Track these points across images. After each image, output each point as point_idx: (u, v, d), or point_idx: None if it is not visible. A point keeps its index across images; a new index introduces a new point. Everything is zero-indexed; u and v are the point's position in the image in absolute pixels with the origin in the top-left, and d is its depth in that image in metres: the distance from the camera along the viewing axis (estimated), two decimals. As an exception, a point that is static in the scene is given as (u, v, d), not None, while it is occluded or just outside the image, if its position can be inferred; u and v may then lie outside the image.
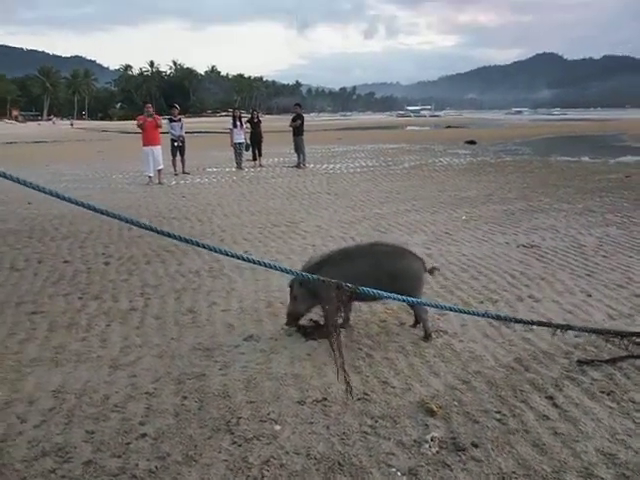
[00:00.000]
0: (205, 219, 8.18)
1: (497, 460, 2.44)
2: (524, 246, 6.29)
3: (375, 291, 2.99)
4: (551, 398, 2.95)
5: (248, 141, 15.85)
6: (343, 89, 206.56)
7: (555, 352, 3.52)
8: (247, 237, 6.96)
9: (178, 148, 13.92)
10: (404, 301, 3.30)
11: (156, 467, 2.44)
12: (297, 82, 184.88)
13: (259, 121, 16.23)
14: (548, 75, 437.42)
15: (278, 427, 2.72)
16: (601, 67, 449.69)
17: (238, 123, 15.43)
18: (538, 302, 4.45)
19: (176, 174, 13.79)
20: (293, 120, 15.75)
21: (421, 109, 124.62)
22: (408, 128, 46.48)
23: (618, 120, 56.29)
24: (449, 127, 44.09)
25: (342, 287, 2.91)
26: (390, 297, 3.23)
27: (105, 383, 3.22)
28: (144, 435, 2.67)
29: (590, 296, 4.56)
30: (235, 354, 3.59)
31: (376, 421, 2.76)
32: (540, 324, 3.43)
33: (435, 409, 2.83)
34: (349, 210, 8.82)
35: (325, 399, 2.98)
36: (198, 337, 3.88)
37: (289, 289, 3.75)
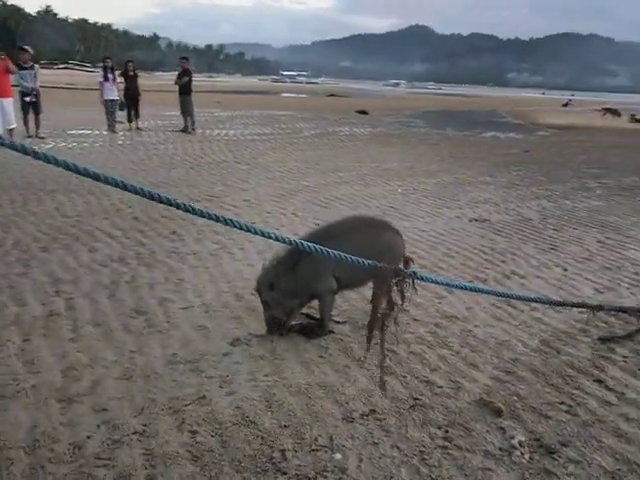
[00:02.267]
0: (100, 193, 7.01)
1: (595, 458, 2.38)
2: (476, 220, 6.53)
3: (437, 277, 2.71)
4: (600, 381, 3.00)
5: (122, 99, 14.15)
6: (209, 47, 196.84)
7: (572, 331, 3.63)
8: (166, 215, 6.11)
9: (31, 104, 11.85)
10: (466, 289, 3.16)
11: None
12: (155, 34, 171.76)
13: (135, 75, 14.53)
14: (421, 48, 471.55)
15: (338, 456, 2.32)
16: (468, 44, 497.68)
17: (110, 76, 13.65)
18: (524, 279, 4.60)
19: (29, 136, 11.76)
20: (179, 77, 14.46)
21: (297, 75, 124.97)
22: (285, 95, 46.24)
23: (489, 97, 62.83)
24: (332, 95, 44.89)
25: (401, 273, 2.57)
26: (454, 285, 3.05)
27: (64, 426, 2.45)
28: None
29: (566, 270, 4.85)
30: (229, 364, 3.04)
31: (446, 431, 2.51)
32: (576, 305, 3.50)
33: (500, 408, 2.68)
34: (272, 182, 8.33)
35: (374, 411, 2.64)
36: (167, 346, 3.22)
37: (257, 294, 3.35)
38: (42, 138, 12.00)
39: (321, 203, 7.05)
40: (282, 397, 2.73)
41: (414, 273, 2.65)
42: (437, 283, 3.18)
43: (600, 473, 2.29)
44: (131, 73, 14.50)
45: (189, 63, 15.02)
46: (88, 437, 2.39)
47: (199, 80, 35.97)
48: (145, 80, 22.76)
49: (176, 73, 15.51)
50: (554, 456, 2.37)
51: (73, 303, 3.75)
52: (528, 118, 26.89)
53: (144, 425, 2.48)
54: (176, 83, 14.58)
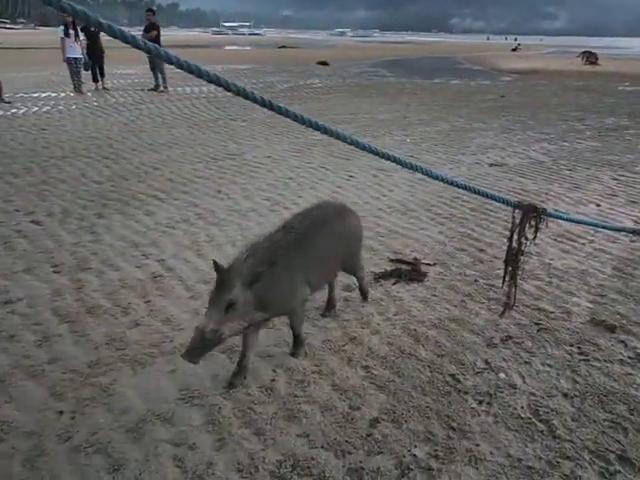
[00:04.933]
0: (115, 157, 6.80)
1: None
2: (495, 165, 6.88)
3: (563, 214, 2.98)
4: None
5: (86, 57, 13.34)
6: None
7: (634, 257, 4.06)
8: (199, 174, 6.07)
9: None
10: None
11: None
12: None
13: (97, 30, 13.66)
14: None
15: (503, 375, 2.63)
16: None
17: (72, 32, 12.77)
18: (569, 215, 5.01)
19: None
20: (146, 30, 13.70)
21: (239, 26, 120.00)
22: (230, 48, 44.45)
23: (438, 44, 62.97)
24: (283, 47, 43.69)
25: (537, 210, 2.82)
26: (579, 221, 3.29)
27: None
28: None
29: (599, 206, 5.29)
30: (356, 307, 3.25)
31: (579, 347, 2.87)
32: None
33: (614, 324, 3.06)
34: (281, 137, 8.33)
35: (510, 337, 2.95)
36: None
37: (217, 284, 2.27)
38: (8, 103, 11.25)
39: (342, 155, 7.17)
40: (423, 332, 2.99)
41: (544, 210, 2.91)
42: (565, 220, 3.44)
43: None
44: (92, 29, 13.61)
45: (154, 16, 14.24)
46: (272, 380, 2.57)
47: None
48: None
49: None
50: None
51: (167, 264, 3.80)
52: (486, 64, 27.39)
53: (316, 365, 2.69)
54: (143, 37, 13.85)
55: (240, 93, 1.51)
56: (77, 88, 13.07)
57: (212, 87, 15.05)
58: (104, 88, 13.78)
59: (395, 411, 2.37)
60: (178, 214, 4.81)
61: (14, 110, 10.33)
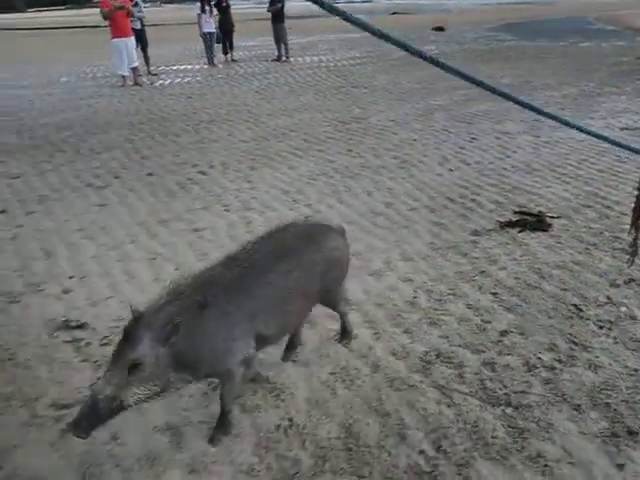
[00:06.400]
0: (252, 120, 7.65)
1: None
2: (628, 129, 6.68)
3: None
4: None
5: (218, 31, 14.49)
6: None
7: None
8: (330, 136, 6.68)
9: (138, 38, 12.41)
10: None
11: None
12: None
13: (227, 5, 14.74)
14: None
15: (624, 308, 2.93)
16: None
17: (207, 8, 13.94)
18: None
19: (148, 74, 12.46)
20: (271, 3, 14.52)
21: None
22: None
23: (565, 3, 57.77)
24: (395, 13, 42.85)
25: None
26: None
27: (391, 289, 3.18)
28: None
29: None
30: (483, 248, 3.65)
31: None
32: None
33: None
34: (401, 103, 8.65)
35: (633, 279, 3.20)
36: (420, 237, 3.86)
37: (122, 338, 1.83)
38: (155, 75, 12.69)
39: (463, 119, 7.37)
40: (548, 271, 3.33)
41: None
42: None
43: None
44: (224, 4, 14.71)
45: (279, -11, 14.98)
46: (414, 297, 3.11)
47: (244, 8, 35.44)
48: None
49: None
50: None
51: (314, 208, 4.47)
52: (621, 24, 24.88)
53: (450, 289, 3.18)
54: (268, 10, 14.68)
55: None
56: (210, 61, 14.29)
57: (330, 56, 15.63)
58: (233, 60, 14.90)
59: (522, 327, 2.79)
60: (317, 168, 5.46)
61: (161, 81, 11.71)
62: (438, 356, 2.60)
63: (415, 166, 5.43)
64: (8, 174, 5.63)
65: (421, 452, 2.08)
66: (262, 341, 2.15)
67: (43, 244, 4.00)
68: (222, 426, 2.18)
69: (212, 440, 2.15)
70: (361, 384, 2.45)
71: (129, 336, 1.80)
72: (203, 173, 5.44)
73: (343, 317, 2.71)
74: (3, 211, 4.65)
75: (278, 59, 14.69)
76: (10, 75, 13.10)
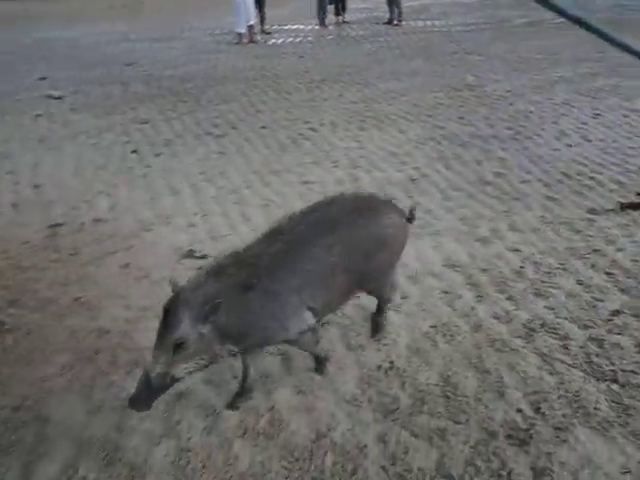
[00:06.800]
0: (363, 82, 7.65)
1: None
2: None
3: None
4: None
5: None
6: None
7: None
8: (441, 102, 6.53)
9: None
10: None
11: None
12: None
13: (344, -35, 14.57)
14: None
15: None
16: None
17: (323, -33, 13.87)
18: None
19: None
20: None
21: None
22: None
23: None
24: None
25: None
26: None
27: (496, 258, 3.17)
28: None
29: None
30: (599, 228, 3.48)
31: None
32: None
33: None
34: (518, 72, 8.17)
35: None
36: (531, 210, 3.76)
37: (163, 317, 1.85)
38: (268, 34, 12.98)
39: (588, 93, 6.83)
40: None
41: None
42: None
43: None
44: (341, -36, 14.53)
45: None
46: (521, 267, 3.08)
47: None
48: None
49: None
50: None
51: (422, 171, 4.47)
52: None
53: (561, 264, 3.10)
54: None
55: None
56: (322, 22, 14.31)
57: (444, 21, 15.00)
58: (344, 22, 14.80)
59: (637, 308, 2.68)
60: (425, 133, 5.41)
61: (274, 40, 11.98)
62: (542, 325, 2.59)
63: (530, 139, 5.20)
64: (138, 119, 6.17)
65: (519, 410, 2.13)
66: (315, 314, 2.12)
67: (169, 183, 4.40)
68: (319, 366, 2.33)
69: (318, 370, 2.32)
70: (461, 340, 2.52)
71: (170, 316, 1.82)
72: (314, 130, 5.60)
73: (382, 304, 2.50)
74: (135, 151, 5.14)
75: (390, 22, 14.36)
76: (139, 29, 14.04)
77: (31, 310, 2.87)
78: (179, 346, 1.81)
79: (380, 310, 2.52)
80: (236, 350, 2.01)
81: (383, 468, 1.92)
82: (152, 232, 3.61)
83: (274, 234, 2.08)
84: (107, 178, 4.53)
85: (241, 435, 2.08)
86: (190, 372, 1.90)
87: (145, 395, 1.86)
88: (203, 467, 1.95)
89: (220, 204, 3.99)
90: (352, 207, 2.22)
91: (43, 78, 8.40)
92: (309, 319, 2.08)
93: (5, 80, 8.37)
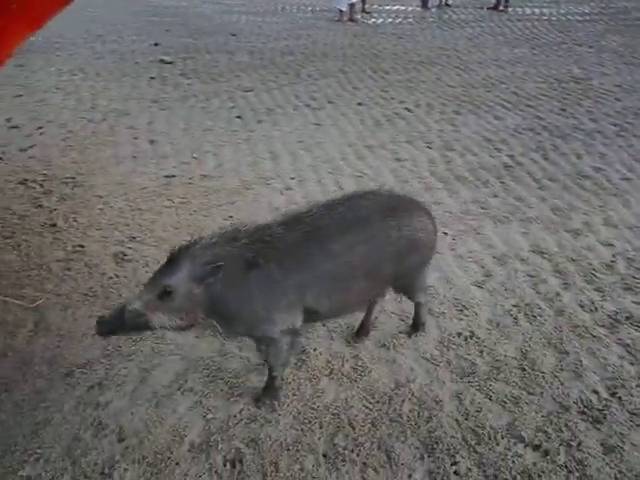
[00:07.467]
0: (462, 67, 7.55)
1: None
2: None
3: None
4: None
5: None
6: None
7: None
8: (543, 93, 6.34)
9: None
10: None
11: None
12: None
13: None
14: None
15: None
16: None
17: (432, -53, 13.56)
18: None
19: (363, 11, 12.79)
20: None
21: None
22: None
23: None
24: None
25: None
26: None
27: (578, 252, 3.16)
28: None
29: None
30: None
31: None
32: None
33: None
34: (634, 67, 7.71)
35: None
36: (630, 207, 3.66)
37: (164, 263, 1.84)
38: (368, 13, 12.97)
39: None
40: None
41: None
42: None
43: None
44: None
45: None
46: (612, 261, 3.05)
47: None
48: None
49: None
50: None
51: (517, 160, 4.44)
52: None
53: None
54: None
55: None
56: (424, 3, 14.05)
57: (554, 9, 14.23)
58: (447, 4, 14.44)
59: None
60: (524, 123, 5.32)
61: (374, 19, 11.96)
62: (629, 318, 2.59)
63: (637, 137, 4.97)
64: (242, 87, 6.51)
65: (595, 392, 2.19)
66: (312, 315, 1.96)
67: (270, 148, 4.68)
68: (268, 389, 2.12)
69: (257, 400, 2.13)
70: (543, 322, 2.58)
71: (170, 262, 1.78)
72: (409, 110, 5.66)
73: (418, 307, 2.43)
74: (239, 117, 5.48)
75: (495, 7, 13.83)
76: (244, 2, 14.50)
77: (148, 246, 3.25)
78: (166, 294, 1.75)
79: (416, 312, 2.47)
80: (220, 330, 1.90)
81: (457, 421, 2.07)
82: (253, 191, 3.90)
83: (295, 222, 1.92)
84: (214, 139, 4.88)
85: (327, 374, 2.30)
86: (164, 326, 1.80)
87: (112, 323, 1.80)
88: (293, 395, 2.20)
89: (316, 171, 4.21)
90: (383, 205, 2.05)
91: (156, 44, 8.99)
92: (298, 321, 1.93)
93: (124, 44, 9.06)
